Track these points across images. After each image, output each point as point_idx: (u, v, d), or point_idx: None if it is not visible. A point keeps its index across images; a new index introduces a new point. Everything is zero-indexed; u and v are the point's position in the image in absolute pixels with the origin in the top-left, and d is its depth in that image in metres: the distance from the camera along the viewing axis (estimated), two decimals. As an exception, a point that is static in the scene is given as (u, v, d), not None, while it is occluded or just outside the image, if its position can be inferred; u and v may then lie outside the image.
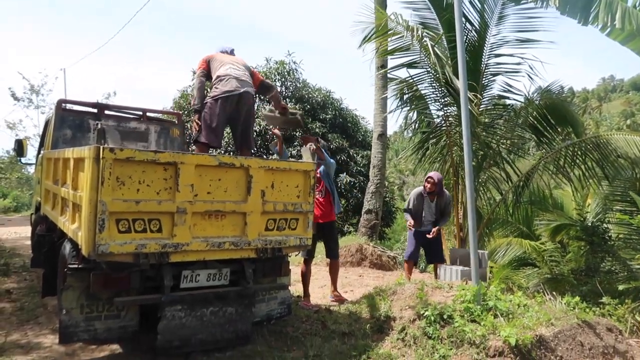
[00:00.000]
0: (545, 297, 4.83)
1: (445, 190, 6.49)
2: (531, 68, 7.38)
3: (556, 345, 3.72)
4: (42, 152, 6.30)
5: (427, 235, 6.10)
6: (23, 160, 7.71)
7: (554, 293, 5.56)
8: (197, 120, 4.43)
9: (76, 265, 3.47)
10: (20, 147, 7.06)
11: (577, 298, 4.64)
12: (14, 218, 17.45)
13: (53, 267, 4.49)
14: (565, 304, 4.55)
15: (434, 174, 6.24)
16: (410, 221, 6.16)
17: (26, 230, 10.03)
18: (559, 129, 7.95)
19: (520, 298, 4.46)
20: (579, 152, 7.25)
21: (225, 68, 4.47)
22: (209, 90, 4.57)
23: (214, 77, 4.46)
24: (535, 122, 7.82)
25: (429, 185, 6.17)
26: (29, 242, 7.62)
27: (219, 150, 9.43)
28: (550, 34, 7.30)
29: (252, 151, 4.90)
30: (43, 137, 6.61)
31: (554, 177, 7.86)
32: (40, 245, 5.09)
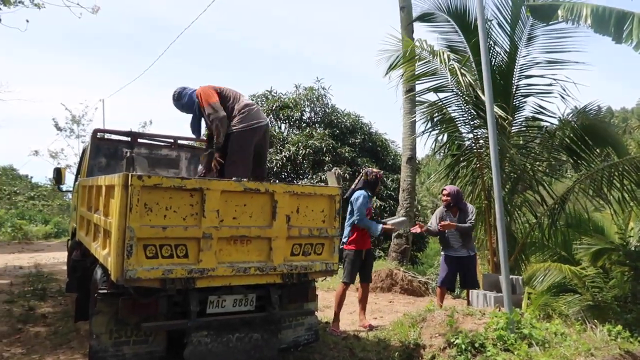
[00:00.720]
0: (586, 326, 4.59)
1: (467, 203, 6.41)
2: (564, 89, 7.22)
3: (597, 378, 3.51)
4: (78, 179, 6.52)
5: (439, 227, 6.01)
6: (63, 188, 8.02)
7: (596, 321, 5.28)
8: (218, 159, 4.36)
9: (106, 291, 3.53)
10: (58, 175, 7.35)
11: (619, 327, 4.38)
12: (54, 244, 18.00)
13: (86, 292, 4.58)
14: (606, 332, 4.31)
15: (449, 187, 6.23)
16: (424, 226, 6.32)
17: (64, 256, 10.32)
18: (597, 150, 7.67)
19: (557, 326, 4.26)
20: (616, 174, 6.97)
21: (244, 99, 4.57)
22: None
23: (237, 107, 4.45)
24: (572, 143, 7.59)
25: (444, 198, 6.16)
26: (65, 267, 7.83)
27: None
28: (583, 54, 7.08)
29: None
30: (80, 165, 6.86)
31: (591, 200, 7.57)
32: (75, 270, 5.22)
